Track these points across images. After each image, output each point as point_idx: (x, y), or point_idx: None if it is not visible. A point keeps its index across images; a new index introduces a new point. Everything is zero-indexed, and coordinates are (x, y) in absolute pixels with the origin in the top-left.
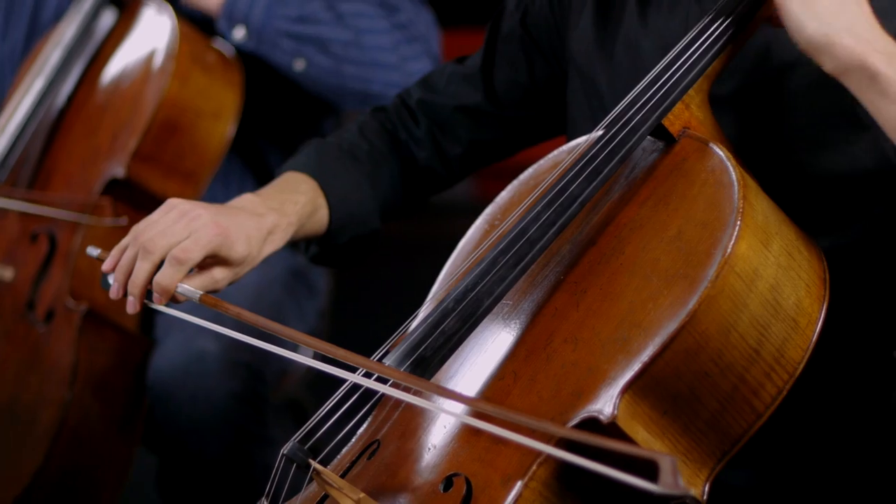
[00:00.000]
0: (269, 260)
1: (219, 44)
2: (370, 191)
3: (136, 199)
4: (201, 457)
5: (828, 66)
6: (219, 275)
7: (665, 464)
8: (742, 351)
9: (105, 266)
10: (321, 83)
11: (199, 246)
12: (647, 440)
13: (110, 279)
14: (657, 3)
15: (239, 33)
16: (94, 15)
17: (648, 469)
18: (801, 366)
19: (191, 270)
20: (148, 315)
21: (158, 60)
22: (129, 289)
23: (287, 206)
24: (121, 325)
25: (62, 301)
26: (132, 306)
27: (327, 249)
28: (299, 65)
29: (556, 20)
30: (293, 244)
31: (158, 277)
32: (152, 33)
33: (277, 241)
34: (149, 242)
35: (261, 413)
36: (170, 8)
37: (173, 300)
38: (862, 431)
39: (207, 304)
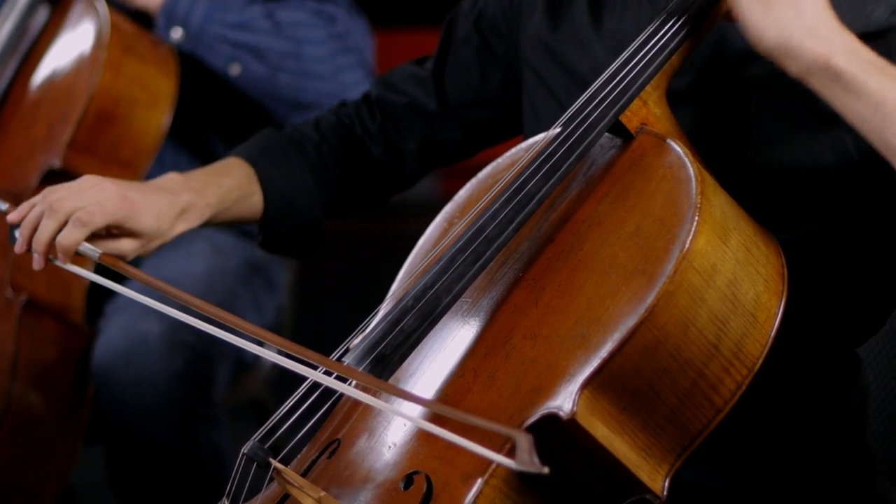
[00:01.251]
0: (223, 249)
1: (154, 33)
2: (312, 182)
3: None
4: (148, 439)
5: (792, 70)
6: (126, 245)
7: (521, 442)
8: (701, 346)
9: (11, 217)
10: (254, 89)
11: (104, 212)
12: (606, 436)
13: (16, 234)
14: (609, 3)
15: (176, 34)
16: (28, 13)
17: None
18: (760, 361)
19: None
20: (93, 305)
21: (90, 51)
22: (34, 245)
23: (209, 189)
24: (63, 316)
25: (1, 291)
26: (37, 263)
27: (269, 236)
28: (234, 70)
29: (509, 23)
30: (244, 231)
31: (60, 237)
32: (85, 25)
33: (191, 221)
34: (56, 202)
35: (206, 393)
36: (102, 1)
37: (75, 262)
38: (822, 427)
39: (106, 263)
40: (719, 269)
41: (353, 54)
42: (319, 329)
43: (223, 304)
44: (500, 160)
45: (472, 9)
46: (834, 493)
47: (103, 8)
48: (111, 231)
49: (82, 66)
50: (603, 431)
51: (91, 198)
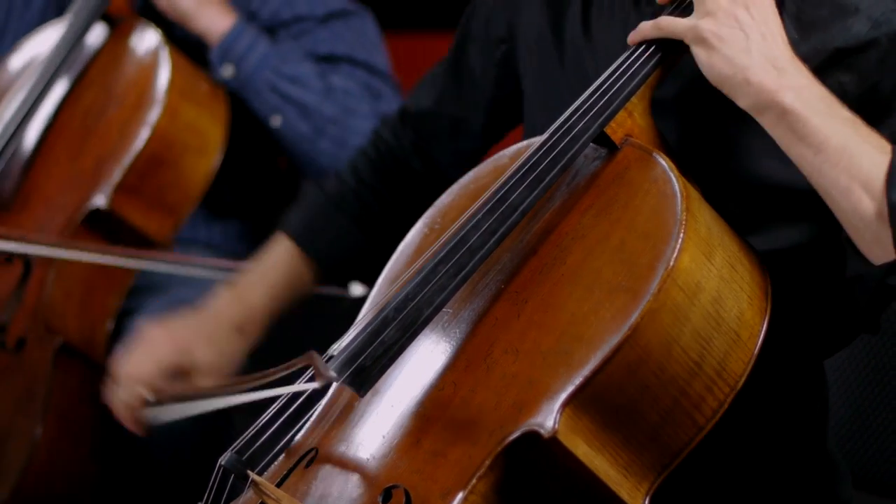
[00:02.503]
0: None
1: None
2: (359, 233)
3: (112, 231)
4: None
5: (742, 103)
6: (201, 379)
7: (314, 361)
8: (684, 364)
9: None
10: (293, 145)
11: (154, 362)
12: (587, 454)
13: None
14: (598, 11)
15: (228, 71)
16: (84, 26)
17: None
18: (743, 379)
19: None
20: (114, 346)
21: (150, 90)
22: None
23: (255, 294)
24: (91, 359)
25: (36, 331)
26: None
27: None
28: (276, 121)
29: (507, 34)
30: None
31: (122, 401)
32: (143, 59)
33: (251, 333)
34: (115, 372)
35: (218, 430)
36: (162, 34)
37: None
38: (784, 436)
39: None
40: (703, 286)
41: None
42: (291, 339)
43: None
44: (482, 166)
45: (483, 15)
46: (796, 499)
47: (165, 44)
48: (182, 369)
49: (140, 103)
50: (584, 449)
51: (141, 353)
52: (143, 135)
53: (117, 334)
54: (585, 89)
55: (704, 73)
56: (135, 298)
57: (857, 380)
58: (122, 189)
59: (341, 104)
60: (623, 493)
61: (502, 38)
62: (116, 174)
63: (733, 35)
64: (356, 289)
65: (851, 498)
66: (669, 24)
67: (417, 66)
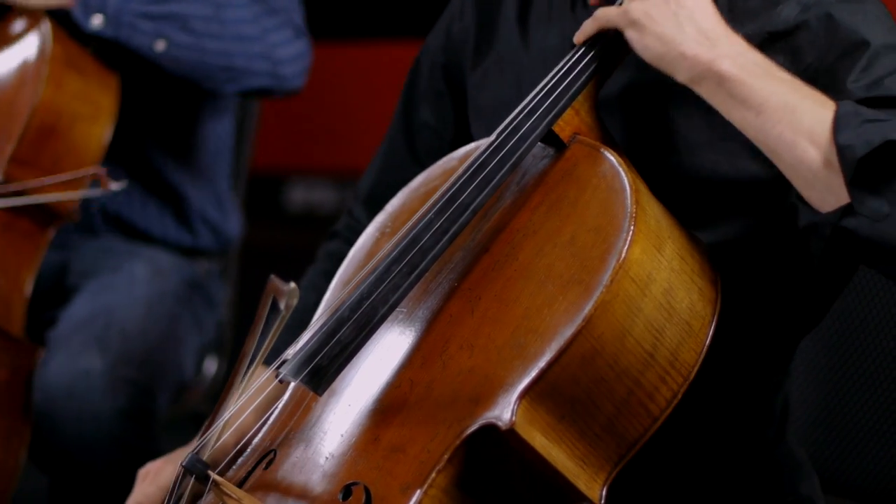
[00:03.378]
0: (164, 270)
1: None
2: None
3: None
4: (90, 474)
5: (681, 77)
6: None
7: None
8: (637, 355)
9: None
10: (183, 62)
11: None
12: (544, 445)
13: None
14: (536, 19)
15: (96, 20)
16: None
17: None
18: (696, 369)
19: None
20: (32, 321)
21: (32, 65)
22: None
23: (249, 423)
24: (6, 331)
25: None
26: None
27: None
28: (160, 45)
29: (452, 75)
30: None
31: None
32: (27, 40)
33: None
34: None
35: (148, 428)
36: (45, 16)
37: None
38: (742, 431)
39: None
40: (655, 278)
41: (279, 15)
42: None
43: (165, 328)
44: (431, 169)
45: (427, 61)
46: (753, 494)
47: (45, 23)
48: None
49: (24, 80)
50: (541, 441)
51: (142, 491)
52: (30, 107)
53: (46, 327)
54: (525, 90)
55: (640, 55)
56: (63, 286)
57: (829, 383)
58: (15, 161)
59: (213, 1)
60: (580, 484)
61: (448, 73)
62: (9, 148)
63: (662, 12)
64: None
65: (817, 498)
66: (603, 14)
67: (376, 74)
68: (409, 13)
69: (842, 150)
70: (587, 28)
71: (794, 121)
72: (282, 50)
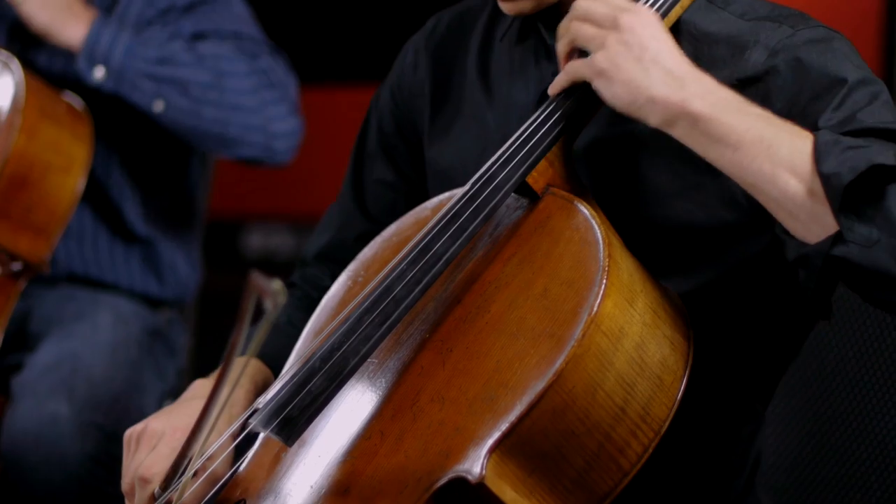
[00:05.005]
0: (126, 318)
1: (67, 96)
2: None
3: None
4: None
5: (653, 122)
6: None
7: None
8: (608, 409)
9: None
10: (179, 124)
11: (162, 457)
12: (515, 499)
13: None
14: (497, 75)
15: (98, 73)
16: None
17: None
18: (667, 423)
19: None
20: (2, 377)
21: (5, 114)
22: None
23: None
24: None
25: None
26: None
27: None
28: (158, 106)
29: (405, 130)
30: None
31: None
32: None
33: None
34: (125, 487)
35: (114, 473)
36: (16, 60)
37: None
38: (714, 483)
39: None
40: (627, 332)
41: (277, 89)
42: None
43: (129, 375)
44: (404, 218)
45: (376, 122)
46: None
47: (18, 70)
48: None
49: None
50: (511, 495)
51: (143, 453)
52: (2, 157)
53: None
54: (489, 145)
55: (611, 105)
56: (26, 333)
57: (797, 435)
58: None
59: (214, 69)
60: None
61: (401, 127)
62: None
63: (626, 59)
64: None
65: None
66: (572, 68)
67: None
68: (366, 58)
69: (827, 178)
70: (559, 81)
71: (772, 154)
72: (277, 124)
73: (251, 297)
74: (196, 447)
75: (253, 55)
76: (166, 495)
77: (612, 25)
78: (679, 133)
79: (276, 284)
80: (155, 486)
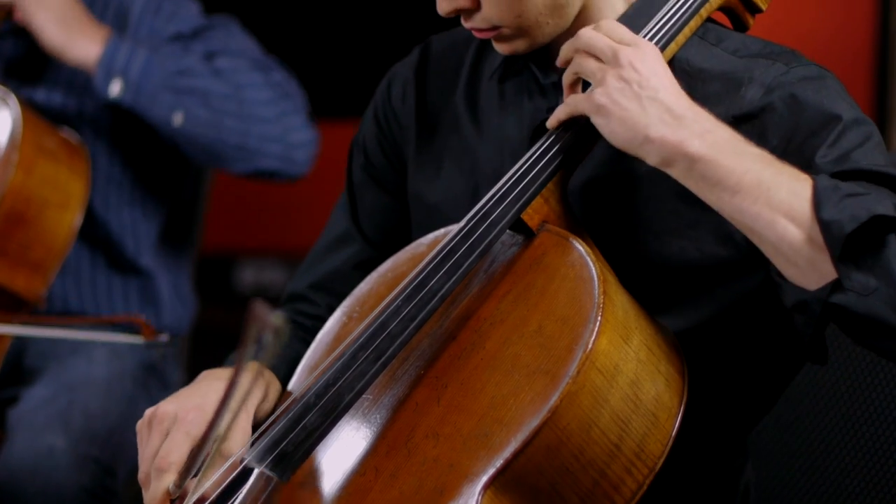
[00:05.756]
0: (119, 353)
1: (65, 132)
2: None
3: None
4: None
5: (651, 161)
6: (232, 447)
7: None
8: (603, 446)
9: None
10: (199, 137)
11: (177, 444)
12: None
13: None
14: (486, 110)
15: (116, 87)
16: None
17: None
18: (662, 460)
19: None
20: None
21: (2, 150)
22: None
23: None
24: None
25: None
26: None
27: None
28: (178, 119)
29: (393, 158)
30: None
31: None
32: None
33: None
34: (141, 476)
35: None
36: (13, 96)
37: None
38: None
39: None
40: (621, 369)
41: (293, 100)
42: None
43: (125, 409)
44: (399, 255)
45: (361, 152)
46: None
47: (15, 105)
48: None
49: None
50: None
51: (157, 440)
52: None
53: (4, 406)
54: (481, 181)
55: (610, 141)
56: (21, 367)
57: (790, 471)
58: None
59: (232, 81)
60: None
61: (387, 158)
62: None
63: (626, 95)
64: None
65: None
66: (573, 102)
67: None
68: (356, 94)
69: (827, 225)
70: (559, 114)
71: (770, 198)
72: (295, 134)
73: (253, 327)
74: (216, 433)
75: (266, 69)
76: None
77: (613, 60)
78: (677, 173)
79: (278, 318)
80: (172, 477)
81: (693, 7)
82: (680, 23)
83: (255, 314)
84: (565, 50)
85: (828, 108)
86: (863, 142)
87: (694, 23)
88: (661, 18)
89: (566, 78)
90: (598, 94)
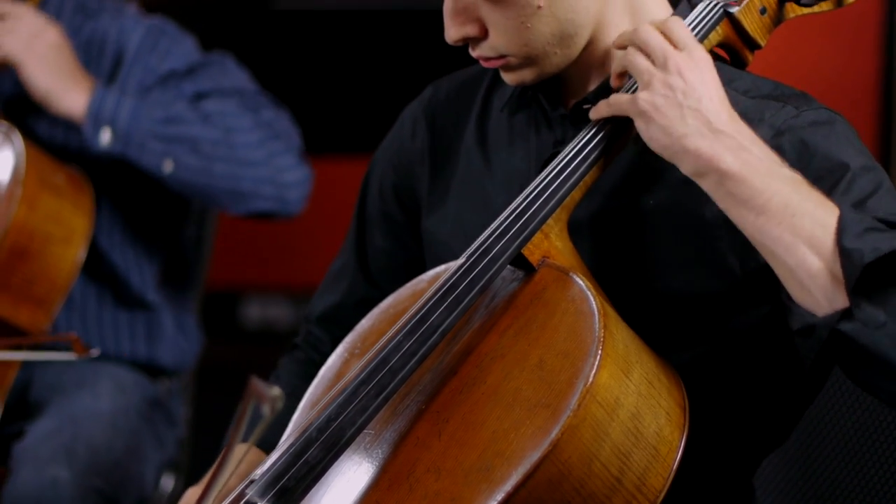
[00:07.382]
0: (124, 387)
1: (68, 167)
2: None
3: None
4: None
5: (684, 169)
6: None
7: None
8: (604, 480)
9: None
10: (190, 184)
11: None
12: None
13: None
14: (495, 144)
15: (105, 137)
16: None
17: None
18: (663, 494)
19: None
20: (3, 445)
21: (5, 185)
22: None
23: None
24: None
25: None
26: None
27: None
28: (168, 167)
29: (405, 200)
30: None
31: None
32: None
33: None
34: None
35: None
36: (17, 131)
37: None
38: None
39: None
40: (622, 402)
41: (283, 140)
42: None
43: (129, 442)
44: (401, 290)
45: (377, 188)
46: None
47: (19, 141)
48: None
49: None
50: None
51: None
52: (2, 228)
53: (10, 440)
54: (490, 215)
55: (648, 144)
56: (27, 401)
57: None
58: None
59: (221, 125)
60: None
61: (399, 195)
62: None
63: (668, 104)
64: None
65: None
66: (616, 100)
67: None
68: (364, 129)
69: (848, 253)
70: (601, 110)
71: (794, 224)
72: (287, 175)
73: (250, 404)
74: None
75: (255, 108)
76: None
77: (662, 64)
78: (707, 185)
79: (275, 391)
80: None
81: None
82: None
83: (252, 389)
84: (623, 37)
85: (836, 156)
86: (875, 189)
87: None
88: None
89: (615, 68)
90: (642, 99)
